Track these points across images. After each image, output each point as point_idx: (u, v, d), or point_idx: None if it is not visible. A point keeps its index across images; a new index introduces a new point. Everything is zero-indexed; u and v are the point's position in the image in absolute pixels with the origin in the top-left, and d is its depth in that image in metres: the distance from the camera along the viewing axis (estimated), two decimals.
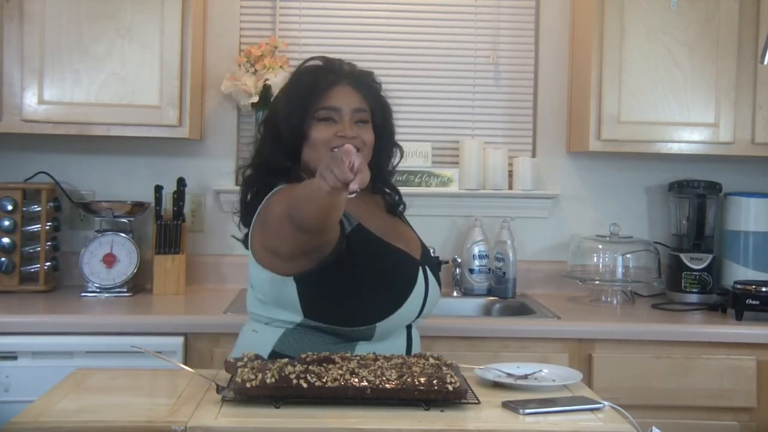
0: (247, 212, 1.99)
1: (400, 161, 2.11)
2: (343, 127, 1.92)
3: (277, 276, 1.87)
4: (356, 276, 1.85)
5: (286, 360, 1.65)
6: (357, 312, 1.88)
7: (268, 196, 1.91)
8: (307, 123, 1.93)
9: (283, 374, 1.56)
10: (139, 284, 3.12)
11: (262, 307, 1.96)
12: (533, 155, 3.36)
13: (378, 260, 1.89)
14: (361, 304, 1.87)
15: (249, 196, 1.99)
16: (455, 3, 3.34)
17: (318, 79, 1.96)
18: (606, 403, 1.62)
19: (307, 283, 1.85)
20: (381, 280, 1.88)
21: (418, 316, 1.98)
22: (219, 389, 1.61)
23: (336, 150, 1.62)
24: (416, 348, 2.01)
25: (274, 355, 1.91)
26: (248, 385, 1.55)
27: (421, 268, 1.94)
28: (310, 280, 1.85)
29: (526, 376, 1.77)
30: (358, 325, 1.88)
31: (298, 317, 1.90)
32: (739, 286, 2.87)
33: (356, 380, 1.56)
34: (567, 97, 3.33)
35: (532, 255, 3.32)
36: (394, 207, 2.09)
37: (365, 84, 2.00)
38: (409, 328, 2.00)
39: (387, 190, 2.09)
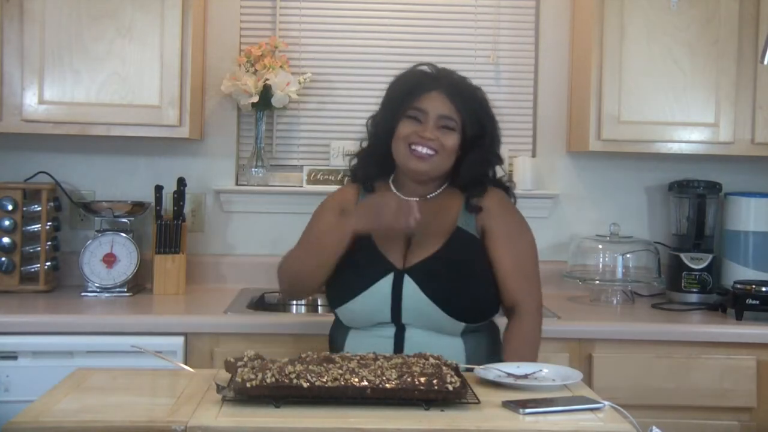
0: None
1: (494, 173, 2.26)
2: (425, 128, 2.08)
3: None
4: (339, 264, 2.10)
5: (286, 360, 1.65)
6: (330, 294, 2.17)
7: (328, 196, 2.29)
8: (398, 120, 2.11)
9: (283, 374, 1.56)
10: (139, 284, 3.12)
11: None
12: (533, 155, 3.36)
13: (353, 253, 2.09)
14: (331, 288, 2.15)
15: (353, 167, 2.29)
16: (455, 3, 3.34)
17: (416, 83, 2.14)
18: (606, 403, 1.62)
19: None
20: (347, 270, 2.10)
21: (394, 319, 2.08)
22: (219, 389, 1.61)
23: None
24: (409, 350, 2.02)
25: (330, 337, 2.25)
26: (248, 385, 1.55)
27: (394, 275, 2.06)
28: None
29: (526, 376, 1.77)
30: (332, 306, 2.17)
31: None
32: (739, 286, 2.87)
33: (356, 380, 1.56)
34: (567, 97, 3.33)
35: None
36: (471, 199, 2.16)
37: (463, 96, 2.13)
38: (401, 327, 2.08)
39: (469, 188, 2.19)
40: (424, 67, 2.20)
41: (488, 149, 2.18)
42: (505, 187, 2.27)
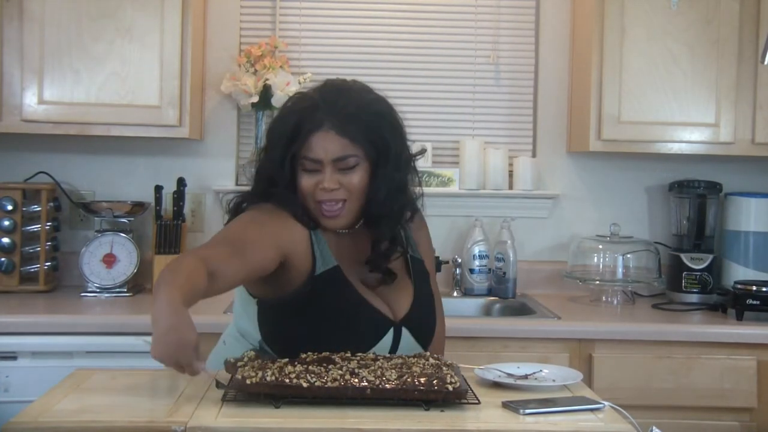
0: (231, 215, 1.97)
1: (411, 191, 1.94)
2: (323, 178, 1.84)
3: (244, 291, 1.89)
4: (317, 318, 1.81)
5: (286, 360, 1.65)
6: (303, 342, 1.78)
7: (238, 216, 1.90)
8: (295, 168, 1.86)
9: (283, 374, 1.56)
10: (139, 284, 3.12)
11: (237, 317, 1.97)
12: (533, 155, 3.36)
13: (344, 312, 1.83)
14: (314, 347, 1.75)
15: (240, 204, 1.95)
16: (455, 3, 3.35)
17: (300, 122, 1.83)
18: (606, 403, 1.62)
19: (267, 308, 1.85)
20: (341, 332, 1.81)
21: None
22: (219, 384, 1.61)
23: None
24: None
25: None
26: (248, 382, 1.55)
27: (393, 330, 1.86)
28: (271, 308, 1.84)
29: (526, 376, 1.77)
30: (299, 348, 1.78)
31: (258, 338, 1.88)
32: (739, 286, 2.87)
33: (356, 380, 1.56)
34: (567, 97, 3.33)
35: (532, 255, 3.32)
36: (379, 259, 1.90)
37: (356, 122, 1.84)
38: None
39: (383, 233, 1.91)
40: (304, 101, 1.88)
41: (392, 168, 1.87)
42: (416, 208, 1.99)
